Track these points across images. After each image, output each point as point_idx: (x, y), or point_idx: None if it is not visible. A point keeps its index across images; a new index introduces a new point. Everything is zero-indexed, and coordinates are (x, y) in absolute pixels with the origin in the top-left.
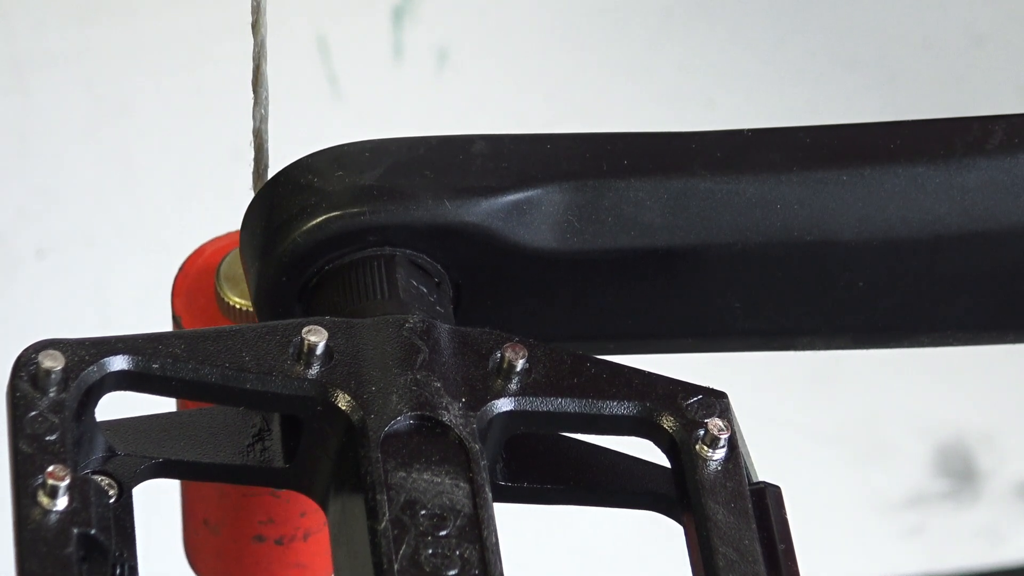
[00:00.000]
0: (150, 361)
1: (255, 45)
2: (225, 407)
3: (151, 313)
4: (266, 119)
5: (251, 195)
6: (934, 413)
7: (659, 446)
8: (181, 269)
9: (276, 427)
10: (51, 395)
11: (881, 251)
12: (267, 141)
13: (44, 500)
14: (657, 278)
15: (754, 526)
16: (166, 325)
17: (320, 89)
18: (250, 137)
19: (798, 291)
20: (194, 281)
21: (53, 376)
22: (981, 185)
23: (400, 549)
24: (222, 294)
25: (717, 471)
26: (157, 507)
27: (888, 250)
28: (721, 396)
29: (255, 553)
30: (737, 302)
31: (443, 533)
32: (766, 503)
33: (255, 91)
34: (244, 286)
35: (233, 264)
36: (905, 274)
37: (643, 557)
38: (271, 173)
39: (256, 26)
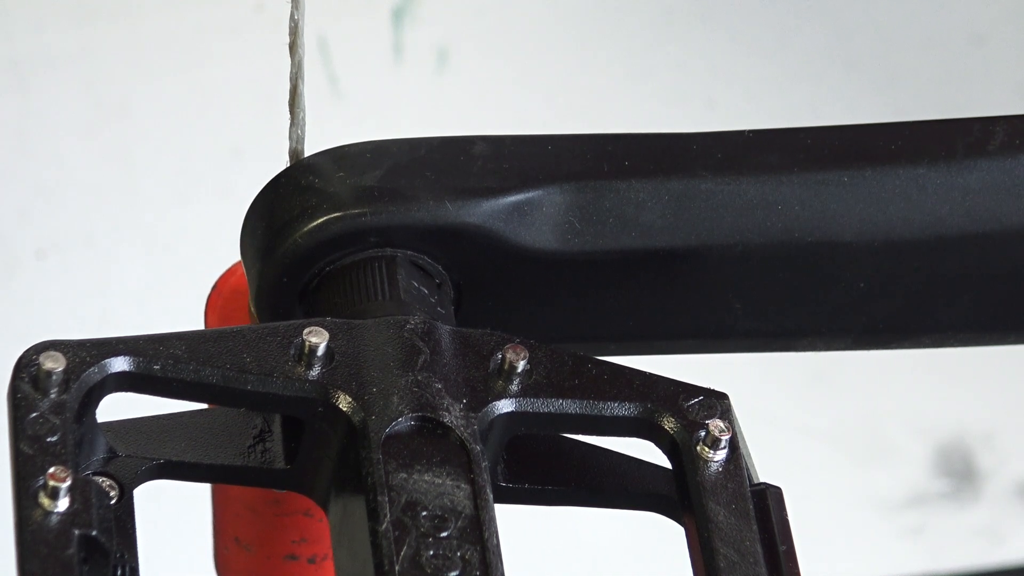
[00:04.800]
0: (151, 362)
1: (292, 66)
2: (226, 408)
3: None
4: (303, 139)
5: (251, 195)
6: (934, 413)
7: (660, 447)
8: (214, 288)
9: (277, 428)
10: (52, 396)
11: (882, 252)
12: None
13: (45, 501)
14: (658, 279)
15: (755, 527)
16: (166, 325)
17: (320, 89)
18: (255, 139)
19: (799, 292)
20: (227, 300)
21: (54, 377)
22: (982, 186)
23: (401, 550)
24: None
25: (718, 472)
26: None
27: (889, 251)
28: (722, 397)
29: (288, 571)
30: (738, 303)
31: (444, 534)
32: (767, 504)
33: (292, 112)
34: None
35: None
36: (906, 275)
37: (643, 558)
38: (269, 177)
39: (293, 47)
